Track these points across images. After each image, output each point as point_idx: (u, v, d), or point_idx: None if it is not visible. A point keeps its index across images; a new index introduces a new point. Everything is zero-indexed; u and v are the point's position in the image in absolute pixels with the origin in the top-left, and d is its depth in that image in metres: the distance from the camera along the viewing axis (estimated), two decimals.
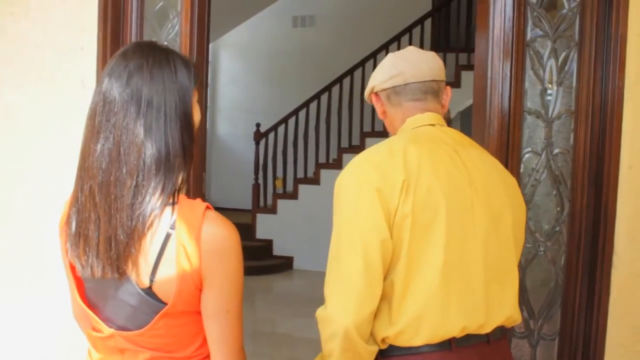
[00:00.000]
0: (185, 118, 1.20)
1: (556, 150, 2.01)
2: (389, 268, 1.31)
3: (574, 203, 1.98)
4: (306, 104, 7.33)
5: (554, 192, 2.02)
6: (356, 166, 1.39)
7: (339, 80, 7.22)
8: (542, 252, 2.03)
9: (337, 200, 1.37)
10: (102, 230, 1.15)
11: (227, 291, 1.18)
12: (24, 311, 2.44)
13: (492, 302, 1.38)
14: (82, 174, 1.18)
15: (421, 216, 1.31)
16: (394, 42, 7.00)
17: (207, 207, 1.18)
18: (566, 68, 1.99)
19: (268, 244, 7.23)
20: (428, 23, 7.16)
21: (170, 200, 1.17)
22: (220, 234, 1.17)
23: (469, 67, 6.27)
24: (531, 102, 2.02)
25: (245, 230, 6.69)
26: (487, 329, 1.37)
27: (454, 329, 1.32)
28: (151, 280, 1.15)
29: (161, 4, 2.37)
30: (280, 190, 7.47)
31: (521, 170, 2.04)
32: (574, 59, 1.98)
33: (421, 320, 1.30)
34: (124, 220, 1.13)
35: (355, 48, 7.52)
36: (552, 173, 2.02)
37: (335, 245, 1.34)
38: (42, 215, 2.34)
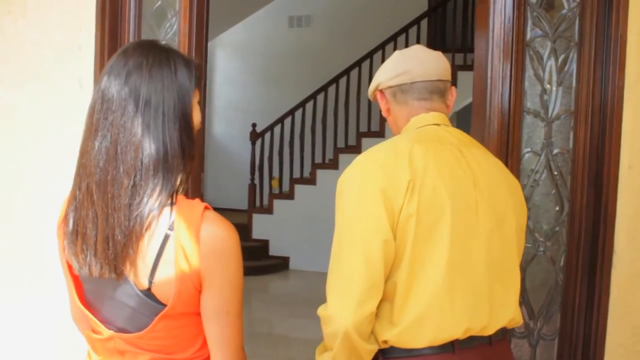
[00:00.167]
0: (184, 118, 1.19)
1: (556, 151, 2.01)
2: (392, 268, 1.30)
3: (573, 203, 1.98)
4: (302, 104, 7.33)
5: (554, 192, 2.02)
6: (360, 165, 1.37)
7: (336, 80, 7.22)
8: (541, 252, 2.03)
9: (340, 199, 1.36)
10: (99, 228, 1.14)
11: (227, 292, 1.17)
12: (23, 311, 2.43)
13: (495, 303, 1.37)
14: (80, 171, 1.17)
15: (426, 217, 1.30)
16: (390, 42, 7.00)
17: (206, 208, 1.17)
18: (566, 68, 1.99)
19: (264, 244, 7.22)
20: (424, 23, 7.17)
21: (169, 201, 1.16)
22: (219, 234, 1.16)
23: (466, 67, 6.28)
24: (531, 102, 2.02)
25: (241, 231, 6.68)
26: (490, 330, 1.37)
27: (457, 331, 1.32)
28: (150, 282, 1.15)
29: (159, 3, 2.36)
30: (276, 191, 7.46)
31: (521, 170, 2.03)
32: (574, 59, 1.98)
33: (424, 322, 1.30)
34: (121, 221, 1.12)
35: (352, 48, 7.52)
36: (551, 173, 2.02)
37: (337, 244, 1.33)
38: (41, 214, 2.33)
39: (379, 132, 6.83)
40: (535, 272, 2.03)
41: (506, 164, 1.97)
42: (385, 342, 1.33)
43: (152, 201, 1.13)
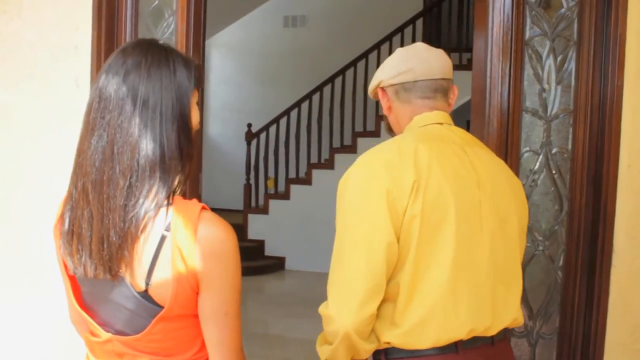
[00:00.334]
0: (183, 119, 1.17)
1: (555, 150, 2.01)
2: (395, 269, 1.29)
3: (572, 202, 1.98)
4: (298, 104, 7.32)
5: (553, 191, 2.02)
6: (364, 165, 1.36)
7: (331, 80, 7.21)
8: (541, 251, 2.03)
9: (342, 199, 1.35)
10: (95, 229, 1.13)
11: (225, 293, 1.16)
12: (23, 312, 2.41)
13: (498, 304, 1.37)
14: (76, 170, 1.16)
15: (430, 217, 1.28)
16: (385, 42, 7.00)
17: (203, 208, 1.16)
18: (565, 67, 1.99)
19: (260, 244, 7.21)
20: (419, 23, 7.17)
21: (165, 202, 1.14)
22: (216, 235, 1.14)
23: (461, 66, 6.29)
24: (530, 101, 2.02)
25: (237, 231, 6.46)
26: (493, 331, 1.36)
27: (461, 332, 1.31)
28: (147, 284, 1.13)
29: (156, 2, 2.35)
30: (271, 191, 7.46)
31: (520, 169, 2.03)
32: (573, 58, 1.98)
33: (428, 323, 1.29)
34: (116, 222, 1.11)
35: (347, 48, 7.52)
36: (550, 172, 2.02)
37: (338, 245, 1.32)
38: (39, 214, 2.31)
39: (375, 132, 6.83)
40: (534, 271, 2.03)
41: (505, 163, 1.97)
42: (388, 342, 1.33)
43: (147, 202, 1.12)
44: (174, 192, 1.17)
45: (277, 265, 7.14)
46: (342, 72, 7.15)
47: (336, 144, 7.29)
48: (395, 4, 7.62)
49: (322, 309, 1.32)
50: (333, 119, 7.18)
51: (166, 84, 1.15)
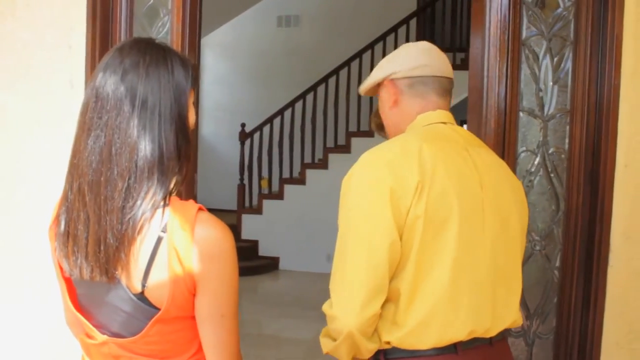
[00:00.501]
0: (181, 120, 1.16)
1: (551, 149, 2.01)
2: (397, 269, 1.29)
3: (569, 202, 1.99)
4: (292, 104, 7.32)
5: (550, 191, 2.02)
6: (368, 164, 1.34)
7: (325, 80, 7.22)
8: (537, 251, 2.03)
9: (345, 198, 1.34)
10: (91, 231, 1.11)
11: (222, 295, 1.15)
12: (19, 313, 2.39)
13: (498, 305, 1.37)
14: (72, 171, 1.14)
15: (433, 218, 1.28)
16: (379, 42, 7.01)
17: (200, 209, 1.15)
18: (561, 67, 1.99)
19: (254, 244, 7.20)
20: (413, 23, 7.18)
21: (162, 202, 1.13)
22: (213, 236, 1.13)
23: (454, 66, 6.27)
24: (527, 101, 2.02)
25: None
26: (493, 332, 1.36)
27: (462, 333, 1.31)
28: (143, 286, 1.12)
29: (151, 2, 2.33)
30: (265, 191, 7.45)
31: (517, 169, 2.03)
32: (569, 58, 1.98)
33: (429, 324, 1.28)
34: (114, 224, 1.09)
35: (341, 48, 7.52)
36: (547, 172, 2.02)
37: (341, 244, 1.31)
38: (34, 215, 2.30)
39: (369, 132, 6.82)
40: (531, 270, 2.03)
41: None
42: (388, 342, 1.32)
43: (145, 204, 1.10)
44: (170, 193, 1.15)
45: (271, 265, 7.13)
46: (336, 72, 7.16)
47: (330, 143, 7.29)
48: (389, 4, 7.63)
49: (326, 308, 1.32)
50: (327, 119, 7.18)
51: (164, 84, 1.14)
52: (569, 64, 1.98)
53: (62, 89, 2.32)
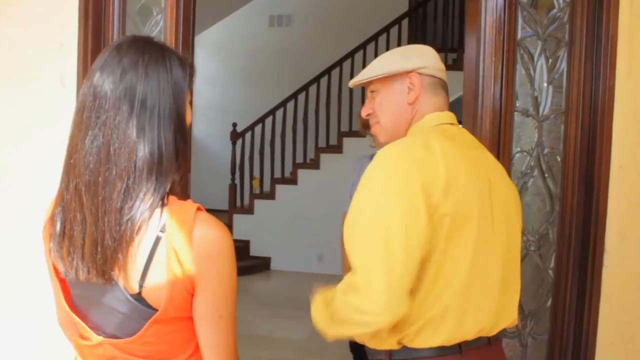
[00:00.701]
0: (179, 119, 1.15)
1: (546, 150, 2.01)
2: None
3: (564, 202, 1.99)
4: (283, 104, 7.30)
5: (545, 191, 2.02)
6: (395, 159, 1.29)
7: (317, 79, 7.20)
8: (532, 251, 2.03)
9: (373, 193, 1.27)
10: (88, 232, 1.10)
11: (220, 295, 1.14)
12: (14, 314, 2.37)
13: (502, 305, 1.37)
14: (68, 171, 1.13)
15: (456, 216, 1.27)
16: (371, 42, 7.01)
17: (198, 209, 1.13)
18: (556, 67, 2.00)
19: (245, 244, 7.18)
20: (405, 23, 7.19)
21: (160, 203, 1.11)
22: (212, 236, 1.12)
23: (446, 67, 6.30)
24: (522, 101, 2.02)
25: None
26: (494, 331, 1.37)
27: (471, 332, 1.31)
28: (140, 286, 1.10)
29: (144, 0, 2.31)
30: (257, 191, 7.43)
31: (511, 169, 2.03)
32: (564, 59, 1.98)
33: (442, 322, 1.28)
34: (112, 225, 1.08)
35: (333, 47, 7.52)
36: (542, 172, 2.02)
37: (374, 237, 1.24)
38: (25, 214, 2.27)
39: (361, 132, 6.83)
40: (525, 271, 2.03)
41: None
42: (400, 341, 1.31)
43: (144, 204, 1.09)
44: (169, 193, 1.14)
45: (262, 265, 7.11)
46: (327, 71, 7.15)
47: (322, 143, 7.28)
48: (380, 4, 7.63)
49: (353, 299, 1.24)
50: (319, 119, 7.17)
51: (163, 84, 1.13)
52: (564, 65, 1.98)
53: (54, 87, 2.29)
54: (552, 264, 2.02)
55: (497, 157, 2.00)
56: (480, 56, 2.01)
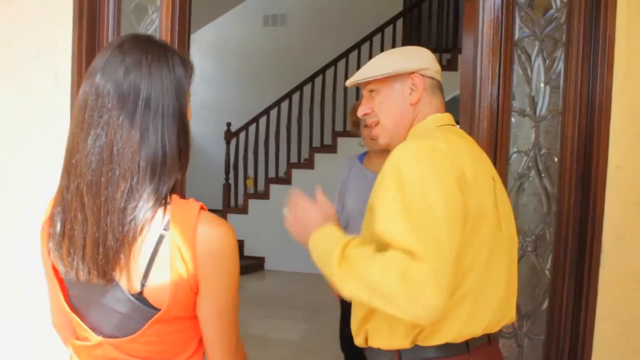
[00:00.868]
0: (182, 119, 1.15)
1: (543, 150, 2.01)
2: None
3: (561, 202, 1.99)
4: (278, 103, 7.29)
5: (542, 192, 2.02)
6: (424, 154, 1.27)
7: (311, 79, 7.20)
8: (529, 252, 2.03)
9: (403, 184, 1.22)
10: (89, 232, 1.09)
11: (225, 292, 1.15)
12: (8, 315, 2.35)
13: (505, 302, 1.40)
14: (68, 170, 1.11)
15: (477, 213, 1.28)
16: (366, 42, 7.01)
17: (201, 208, 1.13)
18: (554, 68, 1.99)
19: (239, 244, 7.15)
20: (399, 23, 7.19)
21: (163, 201, 1.11)
22: (216, 235, 1.12)
23: (441, 67, 6.30)
24: (519, 101, 2.02)
25: None
26: (497, 328, 1.39)
27: (479, 328, 1.33)
28: (142, 285, 1.10)
29: None
30: (251, 190, 7.41)
31: (509, 170, 2.03)
32: (562, 59, 1.98)
33: (454, 317, 1.29)
34: (114, 225, 1.07)
35: (328, 47, 7.51)
36: (539, 173, 2.02)
37: (425, 229, 1.18)
38: (20, 213, 2.25)
39: (356, 132, 6.83)
40: (522, 271, 2.02)
41: (495, 163, 1.97)
42: (415, 338, 1.31)
43: (147, 204, 1.08)
44: (170, 192, 1.14)
45: (256, 265, 7.10)
46: (322, 71, 7.14)
47: (316, 143, 7.27)
48: (375, 4, 7.62)
49: (413, 289, 1.14)
50: (313, 119, 7.16)
51: (167, 83, 1.12)
52: (561, 65, 1.98)
53: (48, 85, 2.28)
54: (548, 265, 2.02)
55: (494, 157, 2.00)
56: (478, 56, 2.01)
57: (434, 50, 5.98)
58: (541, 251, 2.03)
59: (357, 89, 6.07)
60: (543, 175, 2.02)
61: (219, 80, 8.64)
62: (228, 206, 7.29)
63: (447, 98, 4.96)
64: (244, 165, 7.28)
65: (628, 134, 1.87)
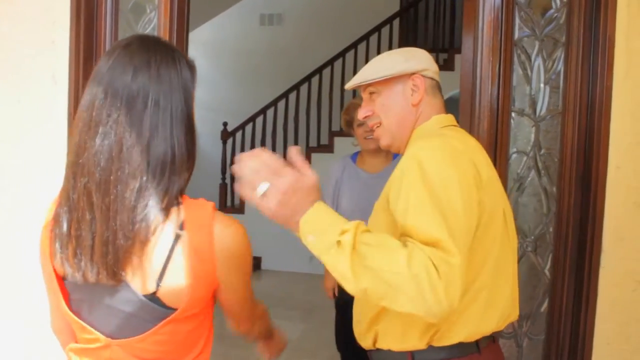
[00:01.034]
0: (189, 120, 1.16)
1: (543, 150, 2.01)
2: None
3: (561, 203, 1.98)
4: (274, 103, 7.28)
5: (541, 192, 2.02)
6: (444, 153, 1.25)
7: (308, 79, 7.19)
8: (529, 252, 2.03)
9: (437, 180, 1.20)
10: (98, 231, 1.08)
11: (243, 285, 1.21)
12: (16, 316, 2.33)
13: (513, 299, 1.41)
14: (75, 170, 1.11)
15: (490, 211, 1.29)
16: (362, 42, 7.00)
17: (213, 207, 1.16)
18: (554, 68, 1.99)
19: None
20: (396, 23, 7.19)
21: (175, 202, 1.13)
22: (232, 233, 1.15)
23: (438, 67, 6.31)
24: (519, 101, 2.02)
25: None
26: (503, 325, 1.40)
27: (489, 328, 1.34)
28: (157, 285, 1.10)
29: None
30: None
31: (508, 170, 2.03)
32: (562, 59, 1.98)
33: (469, 317, 1.30)
34: (124, 224, 1.07)
35: (324, 47, 7.50)
36: (539, 173, 2.02)
37: (453, 220, 1.16)
38: (18, 213, 2.24)
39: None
40: (522, 271, 2.02)
41: (495, 163, 1.96)
42: (431, 339, 1.31)
43: (159, 204, 1.09)
44: (181, 192, 1.15)
45: (253, 265, 7.04)
46: (319, 71, 7.13)
47: (313, 143, 7.26)
48: (372, 3, 7.62)
49: (455, 293, 1.08)
50: (310, 118, 7.15)
51: (175, 85, 1.13)
52: (561, 65, 1.98)
53: (45, 84, 2.26)
54: (548, 265, 2.02)
55: (494, 157, 2.00)
56: (478, 56, 2.01)
57: (430, 50, 5.96)
58: (541, 251, 2.02)
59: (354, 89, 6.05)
60: (543, 175, 2.01)
61: (216, 80, 8.62)
62: (224, 206, 7.27)
63: (444, 98, 4.95)
64: None
65: (628, 134, 1.87)
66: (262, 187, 1.05)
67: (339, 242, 1.06)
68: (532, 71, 2.01)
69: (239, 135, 7.38)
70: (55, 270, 1.17)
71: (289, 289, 6.32)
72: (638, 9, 1.85)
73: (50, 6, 2.26)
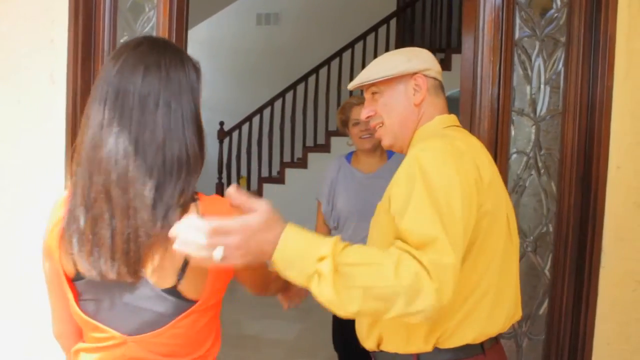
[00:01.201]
0: (198, 122, 1.19)
1: (543, 150, 2.01)
2: None
3: (561, 203, 1.99)
4: (271, 103, 7.27)
5: (541, 192, 2.02)
6: (446, 154, 1.25)
7: (305, 78, 7.18)
8: (529, 252, 2.03)
9: (438, 183, 1.19)
10: (118, 229, 1.09)
11: (258, 270, 1.27)
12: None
13: (517, 300, 1.42)
14: (90, 168, 1.11)
15: (493, 213, 1.29)
16: (359, 41, 7.00)
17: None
18: (554, 68, 1.99)
19: None
20: (393, 23, 7.19)
21: (192, 198, 1.16)
22: None
23: None
24: (519, 101, 2.02)
25: None
26: (507, 327, 1.40)
27: (495, 329, 1.34)
28: (178, 279, 1.13)
29: None
30: (244, 190, 7.38)
31: (509, 170, 2.03)
32: (562, 59, 1.98)
33: (475, 319, 1.30)
34: (145, 221, 1.09)
35: (321, 46, 7.50)
36: (539, 173, 2.02)
37: (452, 223, 1.16)
38: (18, 213, 2.22)
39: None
40: (522, 271, 2.02)
41: (495, 163, 1.96)
42: (437, 340, 1.31)
43: (178, 202, 1.11)
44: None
45: None
46: (316, 70, 7.13)
47: (310, 142, 7.25)
48: (369, 3, 7.62)
49: (448, 292, 1.08)
50: (306, 118, 7.14)
51: (184, 86, 1.16)
52: (562, 65, 1.98)
53: (43, 84, 2.25)
54: (549, 265, 2.02)
55: (495, 157, 2.00)
56: (478, 56, 2.01)
57: (427, 50, 5.93)
58: (541, 251, 2.03)
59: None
60: (543, 175, 2.02)
61: (212, 79, 8.60)
62: None
63: None
64: (237, 165, 7.26)
65: (628, 134, 1.87)
66: (217, 253, 0.99)
67: (318, 273, 1.02)
68: (532, 71, 2.01)
69: (235, 134, 7.37)
70: (65, 274, 1.17)
71: None
72: (639, 9, 1.85)
73: (49, 5, 2.25)
